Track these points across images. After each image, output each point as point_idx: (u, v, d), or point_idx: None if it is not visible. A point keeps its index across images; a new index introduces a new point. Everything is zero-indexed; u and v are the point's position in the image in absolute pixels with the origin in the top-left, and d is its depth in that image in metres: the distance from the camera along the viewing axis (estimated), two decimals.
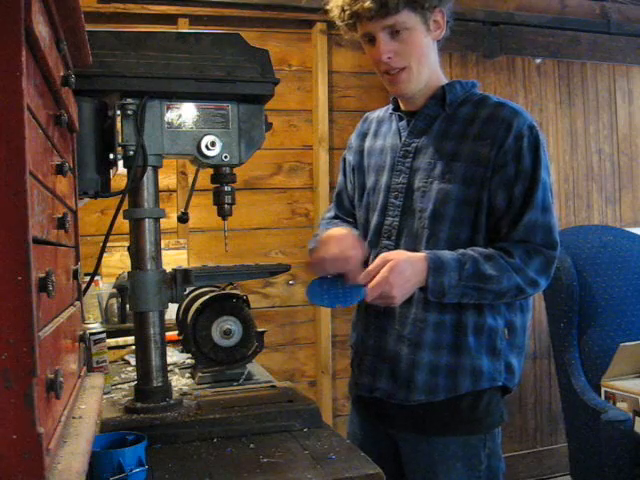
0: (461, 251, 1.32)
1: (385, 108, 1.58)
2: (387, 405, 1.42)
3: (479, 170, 1.33)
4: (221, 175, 1.42)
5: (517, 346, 1.41)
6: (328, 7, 1.43)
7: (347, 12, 1.36)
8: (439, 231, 1.35)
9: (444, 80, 1.45)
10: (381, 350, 1.42)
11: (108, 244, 1.36)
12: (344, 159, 1.64)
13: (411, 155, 1.41)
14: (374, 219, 1.46)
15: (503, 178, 1.32)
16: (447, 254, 1.31)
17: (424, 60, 1.38)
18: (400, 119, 1.48)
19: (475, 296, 1.31)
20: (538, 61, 3.39)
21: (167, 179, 2.87)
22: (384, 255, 1.30)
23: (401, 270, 1.27)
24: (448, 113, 1.40)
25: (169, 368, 1.70)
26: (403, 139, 1.44)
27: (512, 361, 1.39)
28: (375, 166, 1.50)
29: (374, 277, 1.27)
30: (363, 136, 1.58)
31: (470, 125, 1.37)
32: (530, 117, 1.37)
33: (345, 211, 1.61)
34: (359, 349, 1.49)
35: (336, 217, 1.63)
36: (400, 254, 1.30)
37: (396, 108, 1.50)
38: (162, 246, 1.41)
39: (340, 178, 1.65)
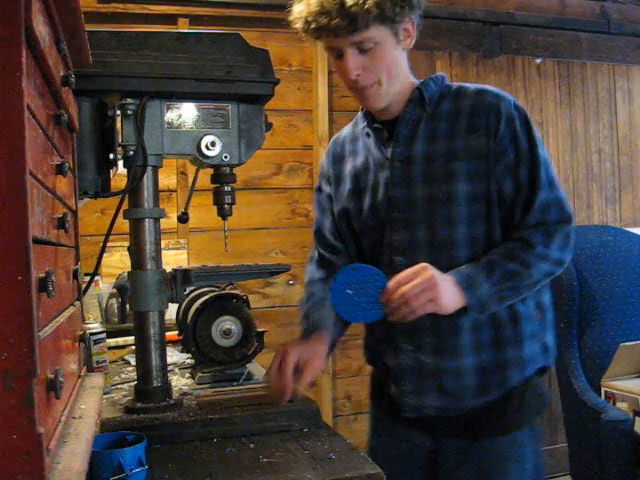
0: (482, 260, 1.28)
1: (351, 125, 1.50)
2: (437, 418, 1.37)
3: (481, 164, 1.29)
4: (221, 175, 1.42)
5: (548, 323, 1.39)
6: (290, 17, 1.33)
7: (312, 25, 1.26)
8: (455, 234, 1.30)
9: (415, 81, 1.38)
10: (422, 367, 1.35)
11: (108, 244, 1.35)
12: (319, 190, 1.53)
13: (405, 165, 1.34)
14: (380, 236, 1.38)
15: (506, 165, 1.29)
16: (470, 268, 1.27)
17: (394, 72, 1.31)
18: (376, 130, 1.40)
19: (514, 295, 1.28)
20: (538, 61, 3.39)
21: (167, 179, 2.87)
22: (416, 266, 1.23)
23: (442, 276, 1.22)
24: (429, 113, 1.35)
25: (169, 368, 1.70)
26: (392, 150, 1.36)
27: (547, 339, 1.38)
28: (366, 186, 1.41)
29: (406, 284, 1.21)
30: (340, 160, 1.48)
31: (456, 120, 1.32)
32: (510, 96, 1.35)
33: (330, 248, 1.50)
34: (393, 371, 1.40)
35: (320, 260, 1.51)
36: (431, 268, 1.23)
37: (370, 121, 1.41)
38: (162, 246, 1.41)
39: (317, 215, 1.54)
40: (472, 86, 1.36)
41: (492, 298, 1.26)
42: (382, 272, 1.25)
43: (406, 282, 1.20)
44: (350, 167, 1.45)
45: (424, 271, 1.21)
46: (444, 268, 1.27)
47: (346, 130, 1.52)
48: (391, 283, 1.22)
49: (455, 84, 1.39)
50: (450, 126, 1.33)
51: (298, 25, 1.31)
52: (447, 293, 1.22)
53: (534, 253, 1.27)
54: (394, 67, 1.31)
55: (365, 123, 1.43)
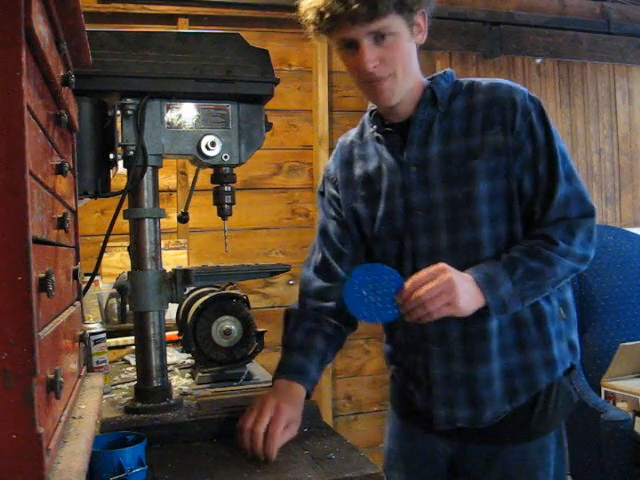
0: (503, 258, 1.25)
1: (358, 128, 1.46)
2: (467, 429, 1.33)
3: (501, 160, 1.26)
4: (221, 175, 1.42)
5: (573, 321, 1.37)
6: (300, 10, 1.27)
7: (327, 15, 1.20)
8: (479, 235, 1.27)
9: (424, 81, 1.34)
10: (452, 376, 1.31)
11: (108, 244, 1.35)
12: (322, 193, 1.48)
13: (421, 169, 1.30)
14: (400, 244, 1.34)
15: (524, 160, 1.26)
16: (490, 267, 1.23)
17: (409, 66, 1.27)
18: (387, 134, 1.36)
19: (537, 294, 1.25)
20: (538, 61, 3.39)
21: (167, 179, 2.87)
22: (433, 267, 1.20)
23: (460, 277, 1.19)
24: (442, 112, 1.31)
25: (169, 368, 1.70)
26: (406, 154, 1.32)
27: (573, 337, 1.36)
28: (382, 192, 1.35)
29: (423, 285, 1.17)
30: (348, 164, 1.43)
31: (471, 116, 1.29)
32: (523, 88, 1.31)
33: (334, 250, 1.43)
34: (420, 380, 1.37)
35: (323, 262, 1.44)
36: (449, 269, 1.20)
37: (380, 125, 1.37)
38: (162, 246, 1.41)
39: (321, 216, 1.48)
40: (484, 80, 1.33)
41: (514, 297, 1.22)
42: (396, 271, 1.23)
43: (423, 284, 1.17)
44: (361, 172, 1.40)
45: (442, 273, 1.18)
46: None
47: (353, 134, 1.47)
48: (408, 284, 1.19)
49: (465, 80, 1.35)
50: (465, 124, 1.29)
51: (309, 17, 1.25)
52: (465, 295, 1.18)
53: (557, 250, 1.24)
54: (409, 61, 1.28)
55: (375, 127, 1.39)
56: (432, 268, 1.20)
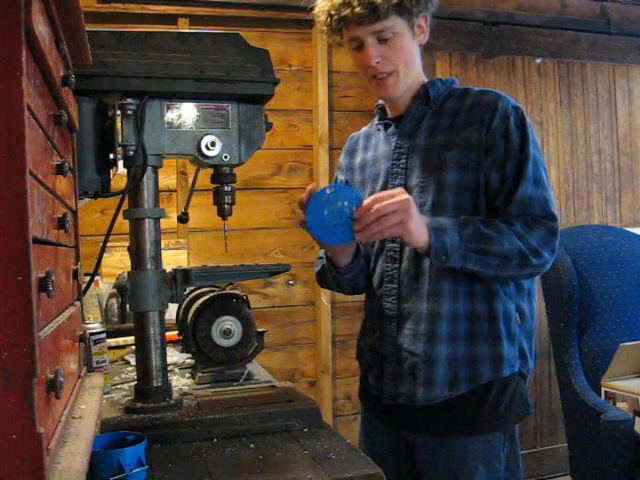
0: (460, 217, 1.31)
1: (369, 124, 1.60)
2: (410, 409, 1.40)
3: (472, 155, 1.34)
4: (221, 175, 1.42)
5: (528, 331, 1.40)
6: (314, 12, 1.43)
7: (335, 17, 1.36)
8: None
9: (425, 80, 1.47)
10: (399, 353, 1.40)
11: (108, 244, 1.35)
12: (335, 181, 1.64)
13: (404, 156, 1.42)
14: None
15: (494, 158, 1.33)
16: (445, 219, 1.30)
17: (410, 64, 1.40)
18: (387, 126, 1.49)
19: (479, 260, 1.27)
20: (538, 61, 3.39)
21: (167, 179, 2.87)
22: (395, 189, 1.27)
23: (417, 210, 1.25)
24: (434, 110, 1.42)
25: (169, 368, 1.70)
26: (394, 143, 1.45)
27: (524, 346, 1.38)
28: (370, 177, 1.50)
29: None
30: (352, 153, 1.60)
31: (457, 115, 1.38)
32: (513, 100, 1.39)
33: None
34: (376, 357, 1.45)
35: None
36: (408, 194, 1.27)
37: (382, 117, 1.52)
38: (162, 246, 1.41)
39: None
40: (477, 88, 1.44)
41: (457, 251, 1.26)
42: (359, 195, 1.24)
43: (382, 200, 1.21)
44: (360, 159, 1.56)
45: (401, 194, 1.22)
46: None
47: (363, 129, 1.63)
48: (368, 200, 1.22)
49: (463, 86, 1.47)
50: (450, 122, 1.39)
51: (322, 18, 1.40)
52: (417, 223, 1.23)
53: (511, 228, 1.29)
54: (410, 58, 1.40)
55: (377, 119, 1.54)
56: (394, 190, 1.25)
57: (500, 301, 1.35)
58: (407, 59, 1.39)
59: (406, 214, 1.20)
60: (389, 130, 1.49)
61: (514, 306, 1.37)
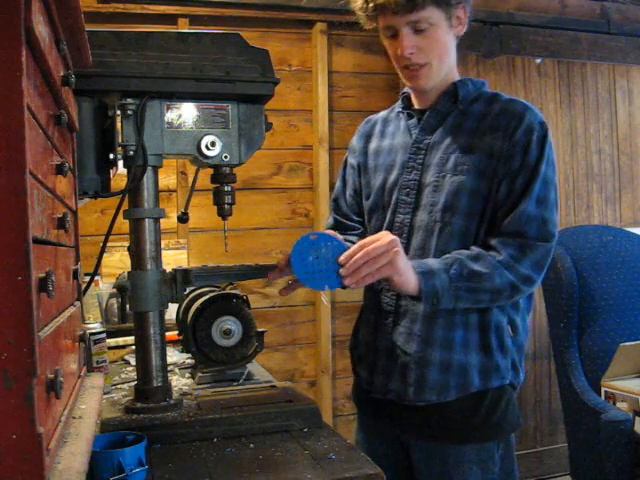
0: (445, 256, 1.30)
1: (389, 109, 1.57)
2: (400, 408, 1.40)
3: (492, 162, 1.32)
4: (221, 175, 1.42)
5: (519, 345, 1.40)
6: None
7: (371, 4, 1.33)
8: (452, 223, 1.34)
9: (457, 77, 1.44)
10: (393, 350, 1.40)
11: (108, 244, 1.36)
12: (345, 163, 1.62)
13: (423, 152, 1.40)
14: (384, 217, 1.44)
15: (509, 169, 1.31)
16: (431, 260, 1.30)
17: (445, 57, 1.38)
18: (409, 117, 1.47)
19: (470, 298, 1.28)
20: (538, 61, 3.39)
21: (167, 179, 2.87)
22: (379, 233, 1.26)
23: (404, 254, 1.23)
24: (460, 109, 1.40)
25: (169, 368, 1.70)
26: (414, 136, 1.43)
27: (515, 358, 1.39)
28: (384, 165, 1.47)
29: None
30: (367, 137, 1.56)
31: (483, 120, 1.36)
32: (540, 114, 1.38)
33: (343, 215, 1.59)
34: (370, 350, 1.46)
35: (335, 224, 1.59)
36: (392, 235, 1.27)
37: (406, 106, 1.49)
38: (162, 246, 1.41)
39: (338, 184, 1.63)
40: (507, 95, 1.42)
41: (448, 292, 1.26)
42: (342, 243, 1.25)
43: (368, 245, 1.21)
44: (375, 145, 1.53)
45: (387, 236, 1.22)
46: (433, 254, 1.33)
47: (381, 113, 1.59)
48: (354, 247, 1.22)
49: (493, 91, 1.44)
50: (476, 125, 1.37)
51: (358, 3, 1.38)
52: (405, 262, 1.23)
53: (499, 260, 1.28)
54: (445, 51, 1.37)
55: (401, 107, 1.50)
56: (378, 234, 1.24)
57: (492, 314, 1.35)
58: (441, 52, 1.36)
59: (394, 253, 1.20)
60: (411, 121, 1.46)
61: (507, 319, 1.37)
